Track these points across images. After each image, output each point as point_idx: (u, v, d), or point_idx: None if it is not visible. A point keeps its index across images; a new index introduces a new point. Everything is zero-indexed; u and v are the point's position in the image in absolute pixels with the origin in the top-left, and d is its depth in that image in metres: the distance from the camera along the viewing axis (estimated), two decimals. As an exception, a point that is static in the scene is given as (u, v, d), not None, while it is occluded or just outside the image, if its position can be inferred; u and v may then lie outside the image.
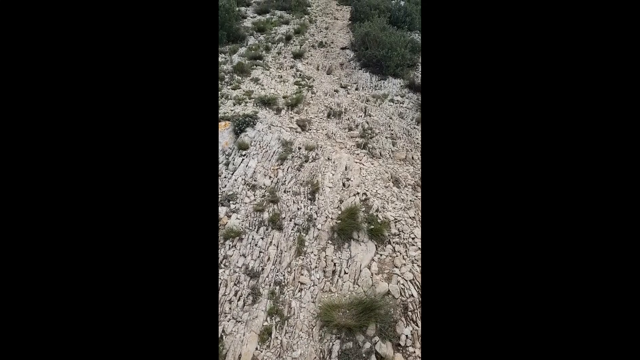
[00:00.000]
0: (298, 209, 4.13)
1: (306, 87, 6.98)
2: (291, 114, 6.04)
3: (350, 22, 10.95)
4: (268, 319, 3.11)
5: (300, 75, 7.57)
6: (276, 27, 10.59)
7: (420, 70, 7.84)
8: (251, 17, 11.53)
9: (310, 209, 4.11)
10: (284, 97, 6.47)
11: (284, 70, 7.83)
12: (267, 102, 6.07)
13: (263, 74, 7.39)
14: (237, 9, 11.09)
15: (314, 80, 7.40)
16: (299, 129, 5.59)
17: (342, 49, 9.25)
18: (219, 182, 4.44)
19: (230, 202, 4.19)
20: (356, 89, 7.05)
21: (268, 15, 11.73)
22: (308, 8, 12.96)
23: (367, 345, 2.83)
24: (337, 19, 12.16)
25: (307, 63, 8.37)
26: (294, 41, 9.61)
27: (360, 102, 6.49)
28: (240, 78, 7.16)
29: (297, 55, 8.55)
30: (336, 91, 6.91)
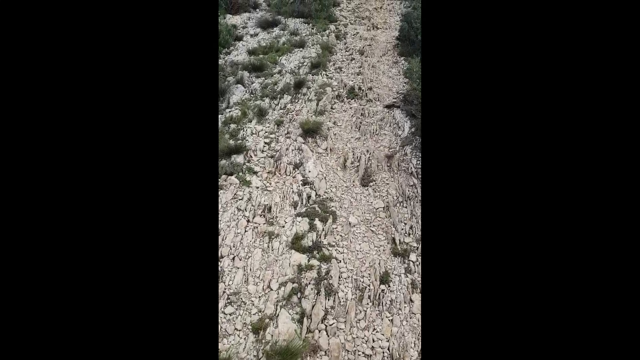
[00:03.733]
0: None
1: (320, 255, 3.11)
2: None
3: (398, 41, 6.64)
4: None
5: (308, 197, 3.71)
6: (283, 58, 6.54)
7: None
8: (251, 36, 7.47)
9: None
10: (260, 326, 2.71)
11: (281, 178, 3.96)
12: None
13: (233, 207, 3.60)
14: (226, 23, 7.14)
15: (334, 215, 3.52)
16: None
17: (388, 107, 5.13)
18: None
19: None
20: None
21: (277, 31, 7.58)
22: (335, 9, 8.63)
23: None
24: (378, 29, 7.76)
25: (325, 151, 4.41)
26: (308, 89, 5.56)
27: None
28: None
29: (310, 131, 4.59)
30: (381, 265, 3.03)
